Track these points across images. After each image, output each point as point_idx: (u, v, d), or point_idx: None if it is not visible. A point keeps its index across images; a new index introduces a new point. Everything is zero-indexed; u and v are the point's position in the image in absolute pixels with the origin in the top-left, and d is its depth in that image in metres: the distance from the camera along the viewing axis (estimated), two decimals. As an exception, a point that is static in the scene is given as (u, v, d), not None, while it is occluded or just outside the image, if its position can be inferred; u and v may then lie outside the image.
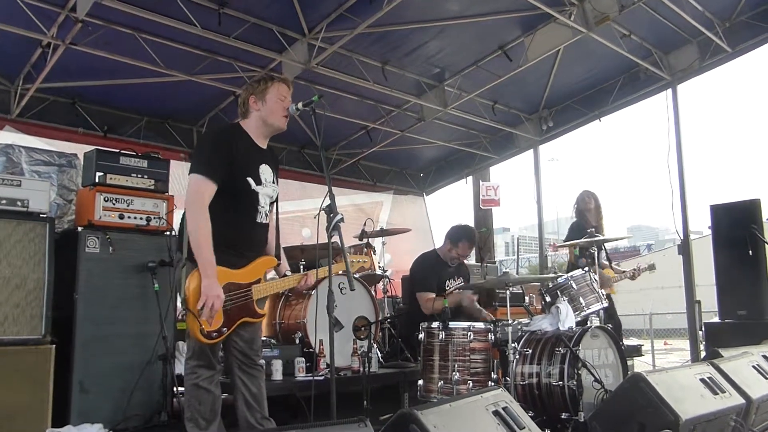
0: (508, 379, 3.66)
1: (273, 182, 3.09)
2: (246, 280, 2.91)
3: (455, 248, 4.92)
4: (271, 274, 3.24)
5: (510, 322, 3.79)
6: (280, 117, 3.05)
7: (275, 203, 3.16)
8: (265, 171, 3.04)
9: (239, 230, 2.94)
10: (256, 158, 3.02)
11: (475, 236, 5.13)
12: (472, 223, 10.05)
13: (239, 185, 2.91)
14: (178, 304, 4.10)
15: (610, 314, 5.62)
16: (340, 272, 3.20)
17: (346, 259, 2.90)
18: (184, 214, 2.91)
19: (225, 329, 2.80)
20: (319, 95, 3.00)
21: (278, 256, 3.19)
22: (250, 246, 3.00)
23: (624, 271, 6.13)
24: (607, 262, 5.94)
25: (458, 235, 4.96)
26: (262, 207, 3.01)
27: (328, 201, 2.76)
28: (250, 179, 2.94)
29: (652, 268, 6.23)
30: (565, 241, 5.84)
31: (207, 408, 2.87)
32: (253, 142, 3.04)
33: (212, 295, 2.70)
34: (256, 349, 3.03)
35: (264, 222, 3.05)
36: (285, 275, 3.19)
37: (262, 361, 3.15)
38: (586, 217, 5.99)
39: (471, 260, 5.68)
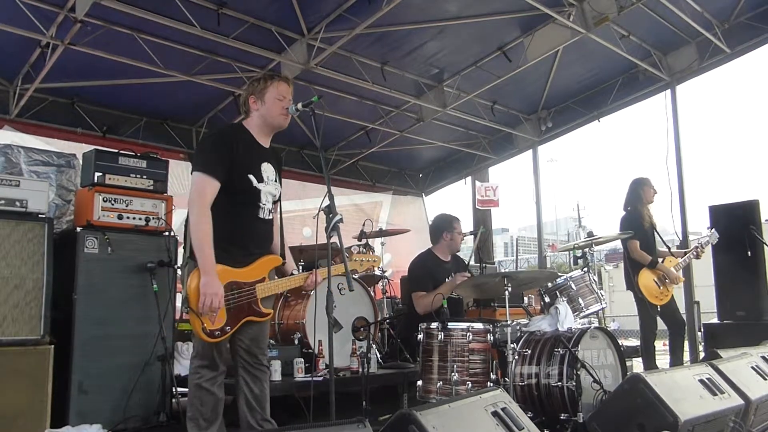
0: (507, 379, 3.65)
1: (275, 181, 3.09)
2: (249, 278, 2.91)
3: (453, 231, 4.90)
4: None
5: (509, 322, 3.79)
6: (279, 116, 3.04)
7: (278, 202, 3.16)
8: (267, 169, 3.04)
9: (242, 226, 2.94)
10: (257, 156, 3.03)
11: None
12: (470, 224, 10.06)
13: (241, 183, 2.92)
14: (178, 303, 4.10)
15: (671, 314, 5.36)
16: (341, 273, 3.18)
17: (344, 260, 2.89)
18: (188, 216, 2.92)
19: (228, 328, 2.80)
20: (318, 96, 2.98)
21: (283, 255, 3.18)
22: (254, 241, 3.00)
23: (685, 253, 5.52)
24: (665, 249, 5.51)
25: (445, 220, 4.96)
26: (264, 204, 3.01)
27: (327, 201, 2.76)
28: (251, 176, 2.95)
29: (714, 237, 5.53)
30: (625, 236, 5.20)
31: (208, 409, 2.87)
32: (255, 140, 3.05)
33: (210, 292, 2.71)
34: (262, 348, 3.02)
35: (267, 218, 3.06)
36: (291, 274, 3.17)
37: (269, 362, 3.14)
38: (641, 210, 5.43)
39: (471, 261, 5.63)
